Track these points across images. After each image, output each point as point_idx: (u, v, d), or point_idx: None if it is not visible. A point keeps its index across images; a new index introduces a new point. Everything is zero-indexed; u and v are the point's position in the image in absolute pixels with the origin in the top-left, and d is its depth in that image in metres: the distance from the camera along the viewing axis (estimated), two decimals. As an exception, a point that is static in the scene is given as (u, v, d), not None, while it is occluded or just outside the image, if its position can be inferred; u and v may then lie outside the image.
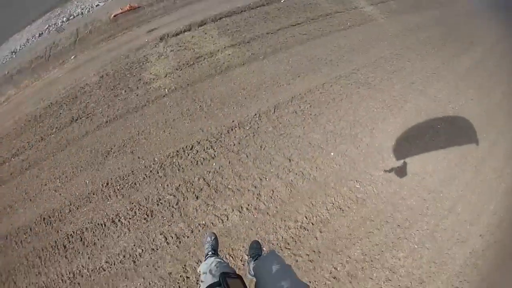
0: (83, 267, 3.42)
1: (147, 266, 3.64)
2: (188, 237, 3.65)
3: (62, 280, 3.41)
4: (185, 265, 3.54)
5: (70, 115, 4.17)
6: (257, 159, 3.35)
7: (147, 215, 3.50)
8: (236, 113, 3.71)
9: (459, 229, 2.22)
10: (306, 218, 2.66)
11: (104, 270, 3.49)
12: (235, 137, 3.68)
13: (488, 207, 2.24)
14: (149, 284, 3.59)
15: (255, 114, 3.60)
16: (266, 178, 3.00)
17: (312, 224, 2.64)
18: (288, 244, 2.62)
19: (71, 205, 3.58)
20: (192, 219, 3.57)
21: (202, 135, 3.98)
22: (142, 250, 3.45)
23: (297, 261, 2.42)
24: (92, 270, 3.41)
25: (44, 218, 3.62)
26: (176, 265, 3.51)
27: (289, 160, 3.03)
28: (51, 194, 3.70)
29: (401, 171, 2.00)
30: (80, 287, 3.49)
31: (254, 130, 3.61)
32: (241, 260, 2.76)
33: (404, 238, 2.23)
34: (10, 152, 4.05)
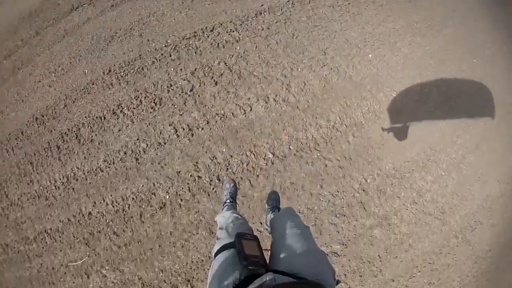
0: (78, 169, 3.32)
1: (151, 164, 3.49)
2: (202, 128, 3.53)
3: (55, 186, 3.38)
4: (197, 163, 3.40)
5: (70, 3, 4.26)
6: (288, 47, 3.45)
7: (155, 104, 3.34)
8: (265, -2, 3.70)
9: (481, 168, 2.55)
10: (340, 118, 2.89)
11: (102, 171, 3.37)
12: (263, 21, 3.70)
13: (509, 156, 2.56)
14: (153, 185, 3.39)
15: (288, 1, 3.73)
16: (297, 69, 3.14)
17: (346, 126, 2.86)
18: (318, 145, 2.83)
19: (66, 99, 3.56)
20: (208, 108, 3.49)
21: (225, 17, 3.78)
22: (147, 145, 3.26)
23: (326, 165, 2.64)
24: (88, 172, 3.29)
25: (36, 118, 3.65)
26: (186, 162, 3.38)
27: (324, 53, 3.22)
28: (45, 90, 3.73)
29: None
30: (74, 193, 3.40)
31: (286, 17, 3.62)
32: (264, 159, 2.89)
33: (434, 162, 2.55)
34: (2, 54, 4.23)
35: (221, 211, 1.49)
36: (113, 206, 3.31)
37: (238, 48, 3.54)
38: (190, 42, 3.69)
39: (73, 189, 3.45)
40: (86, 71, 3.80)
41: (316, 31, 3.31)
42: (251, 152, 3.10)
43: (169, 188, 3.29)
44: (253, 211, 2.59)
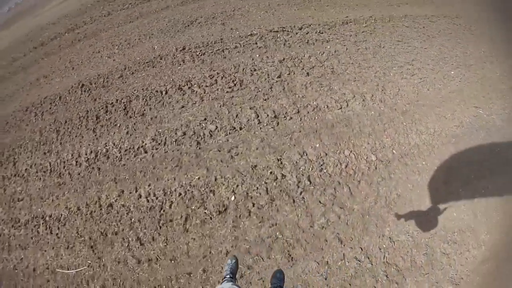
0: (114, 145, 3.60)
1: (218, 151, 3.59)
2: (291, 118, 3.73)
3: (77, 162, 3.63)
4: (281, 157, 3.40)
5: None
6: (377, 54, 4.37)
7: (234, 85, 3.73)
8: (349, 13, 4.95)
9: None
10: (438, 127, 3.47)
11: (146, 152, 3.56)
12: (350, 29, 4.62)
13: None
14: (215, 179, 3.34)
15: (370, 17, 4.86)
16: (390, 73, 3.90)
17: (445, 135, 3.38)
18: (422, 153, 3.22)
19: (125, 69, 4.18)
20: (299, 97, 3.83)
21: (312, 21, 4.61)
22: (217, 127, 3.49)
23: (433, 178, 2.90)
24: (126, 151, 3.54)
25: (82, 85, 4.26)
26: (266, 155, 3.37)
27: (411, 64, 4.09)
28: (102, 60, 4.46)
29: None
30: (99, 174, 3.56)
31: (371, 29, 4.74)
32: (366, 161, 3.07)
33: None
34: (66, 27, 5.33)
35: (219, 283, 1.80)
36: (148, 201, 3.22)
37: (329, 47, 4.01)
38: (278, 35, 4.23)
39: (98, 169, 3.51)
40: (156, 47, 4.40)
41: (400, 45, 4.31)
42: (350, 152, 3.15)
43: (237, 186, 3.15)
44: (352, 229, 2.62)
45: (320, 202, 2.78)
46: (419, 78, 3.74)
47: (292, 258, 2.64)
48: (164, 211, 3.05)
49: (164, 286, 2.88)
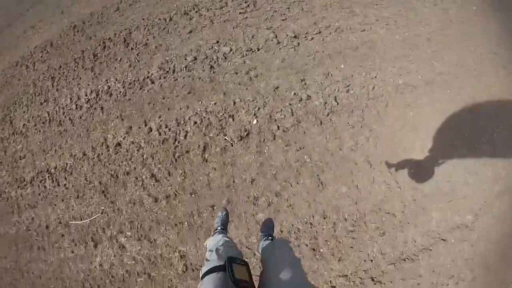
0: (116, 80, 3.31)
1: (235, 74, 3.40)
2: (312, 38, 3.50)
3: (77, 105, 3.48)
4: (304, 78, 3.26)
5: None
6: None
7: (247, 5, 3.65)
8: None
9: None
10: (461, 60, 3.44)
11: (153, 83, 3.27)
12: None
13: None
14: (233, 103, 3.23)
15: None
16: (412, 1, 3.79)
17: (467, 69, 3.43)
18: (446, 82, 3.20)
19: (121, 2, 3.81)
20: (319, 18, 3.57)
21: None
22: (231, 49, 3.18)
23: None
24: (130, 84, 3.24)
25: (74, 26, 3.98)
26: (289, 76, 3.24)
27: None
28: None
29: None
30: (103, 113, 3.32)
31: None
32: (392, 84, 3.12)
33: None
34: None
35: (211, 235, 1.93)
36: (160, 133, 2.99)
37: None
38: None
39: (101, 108, 3.32)
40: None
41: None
42: (376, 75, 3.12)
43: (258, 109, 3.04)
44: (381, 152, 2.75)
45: (348, 124, 2.82)
46: (441, 8, 3.59)
47: (321, 182, 2.67)
48: (179, 142, 2.83)
49: (185, 223, 2.78)
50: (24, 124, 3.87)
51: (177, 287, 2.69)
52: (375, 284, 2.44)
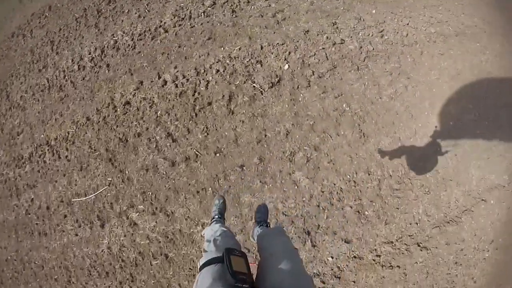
0: (124, 33, 3.17)
1: (260, 17, 3.23)
2: None
3: (79, 66, 3.49)
4: (335, 22, 3.15)
5: None
6: None
7: None
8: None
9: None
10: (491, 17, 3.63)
11: (166, 32, 3.24)
12: None
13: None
14: (261, 48, 3.08)
15: None
16: None
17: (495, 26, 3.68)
18: (476, 35, 3.40)
19: None
20: None
21: None
22: None
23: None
24: (140, 35, 3.24)
25: None
26: (319, 19, 3.09)
27: None
28: None
29: None
30: (109, 70, 3.19)
31: None
32: (425, 33, 3.29)
33: None
34: None
35: (208, 225, 2.07)
36: (177, 86, 2.82)
37: None
38: None
39: (107, 65, 3.20)
40: None
41: None
42: (408, 22, 3.17)
43: (289, 53, 2.93)
44: (420, 102, 2.81)
45: (386, 70, 2.82)
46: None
47: (363, 134, 2.65)
48: (199, 94, 2.61)
49: (209, 189, 2.63)
50: (21, 96, 3.80)
51: (200, 269, 2.39)
52: (421, 250, 2.47)
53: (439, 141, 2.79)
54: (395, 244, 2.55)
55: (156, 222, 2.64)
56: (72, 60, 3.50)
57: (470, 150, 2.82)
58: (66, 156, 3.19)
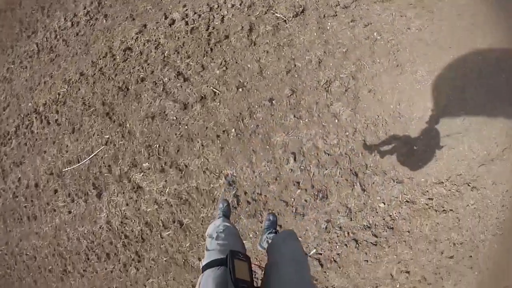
0: None
1: None
2: None
3: (72, 22, 3.19)
4: None
5: None
6: None
7: None
8: None
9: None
10: None
11: None
12: None
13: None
14: None
15: None
16: None
17: None
18: None
19: None
20: None
21: None
22: None
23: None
24: None
25: None
26: None
27: None
28: None
29: None
30: (106, 20, 2.87)
31: None
32: None
33: None
34: None
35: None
36: (187, 23, 2.60)
37: None
38: None
39: (105, 15, 3.10)
40: None
41: None
42: None
43: None
44: (447, 34, 2.54)
45: (410, 4, 2.57)
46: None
47: (400, 63, 2.42)
48: (213, 28, 2.43)
49: (232, 130, 2.28)
50: (8, 68, 3.50)
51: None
52: (471, 190, 2.29)
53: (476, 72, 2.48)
54: (446, 185, 2.32)
55: (165, 181, 2.29)
56: (65, 19, 3.29)
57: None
58: (56, 120, 2.85)
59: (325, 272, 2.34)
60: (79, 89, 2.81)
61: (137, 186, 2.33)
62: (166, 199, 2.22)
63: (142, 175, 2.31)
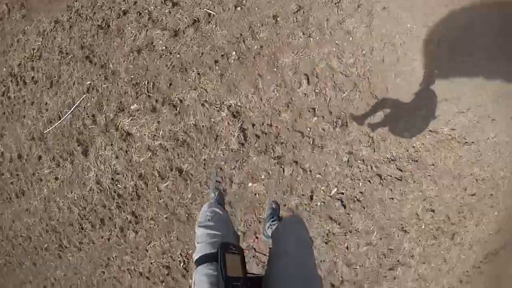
0: None
1: None
2: None
3: None
4: None
5: None
6: None
7: None
8: None
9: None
10: None
11: None
12: None
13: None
14: None
15: None
16: None
17: None
18: None
19: None
20: None
21: None
22: None
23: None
24: None
25: None
26: None
27: None
28: None
29: None
30: None
31: None
32: None
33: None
34: None
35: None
36: None
37: None
38: None
39: None
40: None
41: None
42: None
43: None
44: None
45: None
46: None
47: None
48: None
49: (233, 53, 1.99)
50: None
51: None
52: (491, 123, 2.18)
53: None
54: (467, 115, 2.18)
55: (158, 122, 2.03)
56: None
57: None
58: (33, 78, 2.59)
59: (348, 214, 2.18)
60: (55, 38, 2.57)
61: (126, 133, 2.09)
62: (160, 144, 1.93)
63: (131, 120, 2.01)
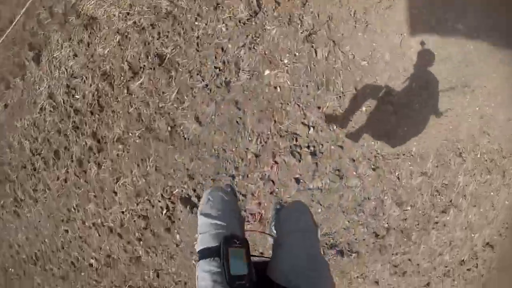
0: None
1: None
2: None
3: None
4: None
5: None
6: None
7: None
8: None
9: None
10: None
11: None
12: None
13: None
14: None
15: None
16: None
17: None
18: None
19: None
20: None
21: None
22: None
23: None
24: None
25: None
26: None
27: None
28: None
29: None
30: None
31: None
32: None
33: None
34: None
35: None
36: None
37: None
38: None
39: None
40: None
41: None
42: None
43: None
44: None
45: None
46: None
47: None
48: None
49: None
50: None
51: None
52: None
53: None
54: None
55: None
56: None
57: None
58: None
59: (398, 125, 1.79)
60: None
61: (89, 19, 1.47)
62: (134, 22, 1.28)
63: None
